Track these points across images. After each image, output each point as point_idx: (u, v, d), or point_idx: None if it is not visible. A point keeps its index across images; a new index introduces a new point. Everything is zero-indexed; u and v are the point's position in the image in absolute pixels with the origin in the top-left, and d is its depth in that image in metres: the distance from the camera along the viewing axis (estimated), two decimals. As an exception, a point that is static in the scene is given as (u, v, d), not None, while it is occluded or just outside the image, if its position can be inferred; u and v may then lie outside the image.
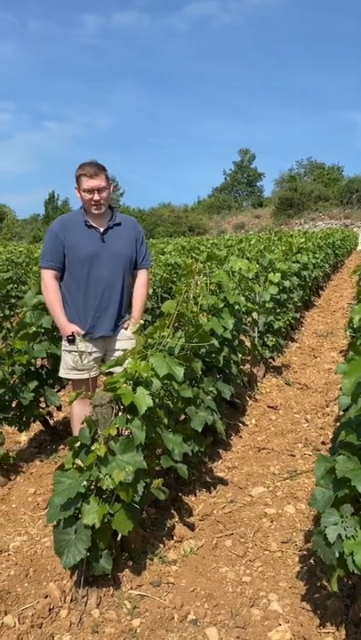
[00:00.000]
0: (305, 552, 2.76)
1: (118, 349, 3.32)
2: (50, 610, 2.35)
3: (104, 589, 2.45)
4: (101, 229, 3.26)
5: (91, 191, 3.16)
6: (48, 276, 3.27)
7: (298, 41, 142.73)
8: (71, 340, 3.22)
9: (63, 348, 3.36)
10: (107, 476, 2.22)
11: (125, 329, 3.36)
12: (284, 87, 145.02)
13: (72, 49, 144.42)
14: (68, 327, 3.23)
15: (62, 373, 3.42)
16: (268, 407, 4.97)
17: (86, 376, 3.25)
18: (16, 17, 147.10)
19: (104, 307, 3.27)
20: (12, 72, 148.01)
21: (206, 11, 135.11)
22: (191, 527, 3.01)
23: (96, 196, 3.17)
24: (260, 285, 5.53)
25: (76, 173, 3.19)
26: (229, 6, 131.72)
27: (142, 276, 3.47)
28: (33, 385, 3.75)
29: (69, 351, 3.29)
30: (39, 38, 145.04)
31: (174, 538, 2.91)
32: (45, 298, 3.33)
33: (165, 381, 2.71)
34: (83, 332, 3.23)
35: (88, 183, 3.14)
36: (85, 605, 2.37)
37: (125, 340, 3.35)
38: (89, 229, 3.25)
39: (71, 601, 2.41)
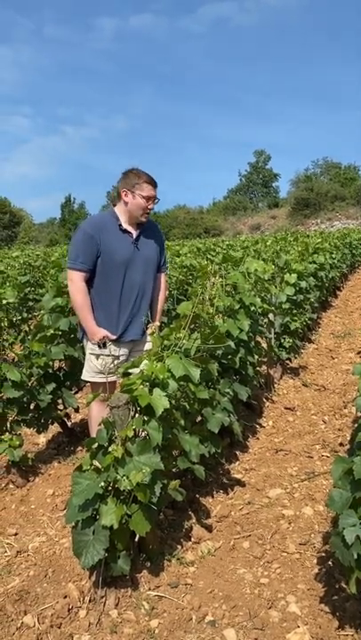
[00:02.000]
0: (323, 554, 2.74)
1: (141, 351, 3.33)
2: (69, 610, 2.37)
3: (122, 590, 2.47)
4: (134, 234, 3.29)
5: (149, 199, 3.22)
6: (79, 279, 3.18)
7: (312, 40, 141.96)
8: (102, 345, 3.20)
9: (90, 351, 3.31)
10: (124, 477, 2.24)
11: (150, 334, 3.36)
12: (299, 87, 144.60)
13: (88, 53, 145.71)
14: (98, 332, 3.19)
15: (87, 377, 3.38)
16: (286, 409, 4.94)
17: (113, 379, 3.26)
18: (32, 22, 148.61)
19: (136, 311, 3.30)
20: (29, 77, 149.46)
21: (222, 12, 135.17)
22: (208, 528, 3.01)
23: (151, 205, 3.24)
24: (276, 286, 5.51)
25: (134, 178, 3.20)
26: (246, 6, 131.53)
27: (163, 280, 3.53)
28: (51, 387, 3.79)
29: (98, 355, 3.27)
30: (55, 43, 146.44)
31: (192, 539, 2.92)
32: (74, 301, 3.23)
33: (182, 383, 2.71)
34: (114, 337, 3.22)
35: (151, 192, 3.22)
36: (104, 606, 2.39)
37: (148, 342, 3.36)
38: (123, 234, 3.25)
39: (90, 601, 2.43)
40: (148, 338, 3.34)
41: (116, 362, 3.25)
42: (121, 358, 3.32)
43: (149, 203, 3.22)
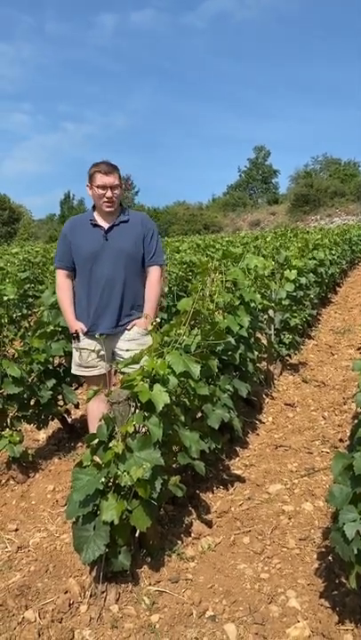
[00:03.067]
0: (323, 549, 2.75)
1: (125, 349, 3.29)
2: (70, 605, 2.38)
3: (123, 585, 2.48)
4: (105, 227, 3.29)
5: (104, 187, 3.19)
6: (59, 275, 3.40)
7: (312, 36, 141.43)
8: (75, 337, 3.31)
9: (73, 345, 3.42)
10: (125, 473, 2.24)
11: (129, 330, 3.33)
12: (299, 83, 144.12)
13: (89, 49, 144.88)
14: (73, 324, 3.34)
15: (73, 370, 3.50)
16: (285, 405, 4.95)
17: (95, 373, 3.33)
18: (34, 19, 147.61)
19: (104, 304, 3.28)
20: (30, 74, 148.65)
21: (224, 8, 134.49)
22: (209, 524, 3.02)
23: (109, 193, 3.20)
24: (275, 282, 5.51)
25: (89, 171, 3.25)
26: (247, 3, 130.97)
27: (153, 273, 3.38)
28: (51, 383, 3.80)
29: (75, 348, 3.39)
30: (56, 39, 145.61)
31: (192, 534, 2.93)
32: (57, 295, 3.49)
33: (182, 379, 2.72)
34: (85, 330, 3.30)
35: (102, 179, 3.18)
36: (105, 601, 2.40)
37: (129, 340, 3.33)
38: (93, 228, 3.30)
39: (90, 596, 2.44)
40: (130, 334, 3.33)
41: (92, 355, 3.31)
42: (101, 352, 3.31)
43: (106, 191, 3.20)
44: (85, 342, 3.30)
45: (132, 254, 3.31)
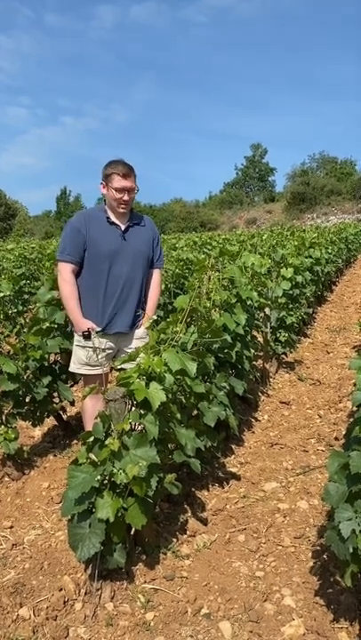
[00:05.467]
0: (318, 547, 2.76)
1: (132, 347, 3.31)
2: (64, 603, 2.38)
3: (118, 583, 2.47)
4: (123, 227, 3.28)
5: (122, 191, 3.16)
6: (66, 270, 3.23)
7: (310, 33, 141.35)
8: (86, 336, 3.19)
9: (76, 343, 3.35)
10: (120, 471, 2.24)
11: (138, 328, 3.37)
12: (297, 81, 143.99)
13: (89, 43, 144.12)
14: (83, 323, 3.21)
15: (73, 368, 3.41)
16: (281, 403, 4.96)
17: (99, 371, 3.26)
18: (33, 11, 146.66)
19: (122, 303, 3.27)
20: (29, 67, 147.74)
21: (224, 1, 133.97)
22: (204, 522, 3.02)
23: (126, 197, 3.19)
24: (272, 281, 5.51)
25: (105, 170, 3.19)
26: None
27: (156, 276, 3.49)
28: (46, 380, 3.78)
29: (83, 346, 3.29)
30: (56, 32, 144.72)
31: (187, 532, 2.92)
32: (62, 291, 3.27)
33: (178, 377, 2.71)
34: (98, 329, 3.22)
35: (120, 182, 3.15)
36: (99, 599, 2.39)
37: (138, 339, 3.36)
38: (110, 226, 3.26)
39: (85, 594, 2.43)
40: (139, 333, 3.34)
41: (101, 354, 3.26)
42: (107, 351, 3.32)
43: (123, 194, 3.18)
44: (97, 341, 3.23)
45: (147, 256, 3.37)
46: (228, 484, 3.46)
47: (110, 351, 3.35)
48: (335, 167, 60.14)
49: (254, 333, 4.50)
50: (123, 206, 3.22)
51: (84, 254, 3.23)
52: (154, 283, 3.47)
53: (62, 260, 3.23)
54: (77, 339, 3.32)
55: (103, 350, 3.29)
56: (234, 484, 3.46)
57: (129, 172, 3.17)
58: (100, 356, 3.26)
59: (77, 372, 3.45)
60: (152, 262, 3.44)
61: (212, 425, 3.14)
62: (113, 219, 3.27)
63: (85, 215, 3.32)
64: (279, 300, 5.57)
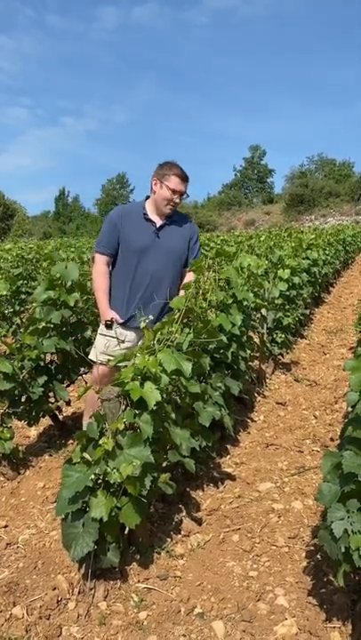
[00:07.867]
0: (312, 547, 2.76)
1: None
2: (58, 602, 2.38)
3: (111, 582, 2.48)
4: (158, 224, 3.34)
5: (175, 192, 3.28)
6: (100, 261, 3.41)
7: (309, 36, 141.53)
8: (109, 326, 3.32)
9: (99, 331, 3.46)
10: (114, 470, 2.24)
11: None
12: (297, 83, 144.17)
13: (90, 44, 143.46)
14: (107, 312, 3.34)
15: (92, 355, 3.51)
16: (277, 403, 4.96)
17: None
18: (34, 11, 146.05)
19: (147, 299, 3.32)
20: (29, 67, 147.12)
21: (226, 3, 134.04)
22: (198, 522, 3.03)
23: (177, 199, 3.31)
24: (269, 282, 5.52)
25: (164, 169, 3.30)
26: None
27: (190, 276, 3.45)
28: (42, 380, 3.78)
29: (104, 335, 3.38)
30: (57, 33, 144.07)
31: (182, 532, 2.93)
32: (93, 281, 3.46)
33: (173, 377, 2.72)
34: (121, 321, 3.33)
35: (179, 186, 3.29)
36: (93, 598, 2.40)
37: None
38: (146, 222, 3.33)
39: (79, 593, 2.43)
40: None
41: (120, 345, 3.31)
42: (127, 344, 3.37)
43: (175, 196, 3.29)
44: (118, 332, 3.33)
45: (180, 255, 3.43)
46: (222, 484, 3.47)
47: (130, 344, 3.40)
48: (333, 169, 60.34)
49: (251, 334, 4.51)
50: (171, 206, 3.32)
51: (118, 247, 3.35)
52: (190, 280, 3.45)
53: (98, 252, 3.41)
54: (101, 327, 3.43)
55: (123, 342, 3.34)
56: (229, 485, 3.47)
57: (187, 177, 3.33)
58: (117, 347, 3.30)
59: (94, 360, 3.50)
60: (186, 262, 3.47)
61: (207, 425, 3.14)
62: (150, 215, 3.35)
63: (123, 210, 3.46)
64: (276, 301, 5.57)
